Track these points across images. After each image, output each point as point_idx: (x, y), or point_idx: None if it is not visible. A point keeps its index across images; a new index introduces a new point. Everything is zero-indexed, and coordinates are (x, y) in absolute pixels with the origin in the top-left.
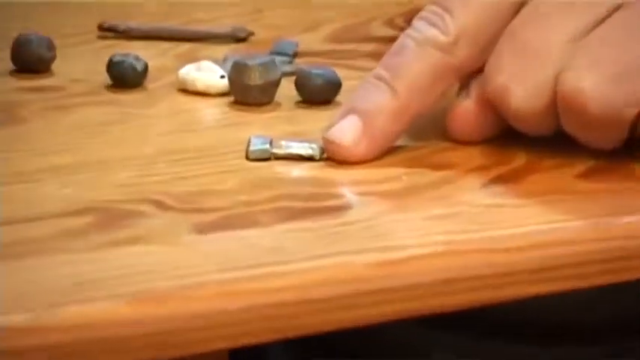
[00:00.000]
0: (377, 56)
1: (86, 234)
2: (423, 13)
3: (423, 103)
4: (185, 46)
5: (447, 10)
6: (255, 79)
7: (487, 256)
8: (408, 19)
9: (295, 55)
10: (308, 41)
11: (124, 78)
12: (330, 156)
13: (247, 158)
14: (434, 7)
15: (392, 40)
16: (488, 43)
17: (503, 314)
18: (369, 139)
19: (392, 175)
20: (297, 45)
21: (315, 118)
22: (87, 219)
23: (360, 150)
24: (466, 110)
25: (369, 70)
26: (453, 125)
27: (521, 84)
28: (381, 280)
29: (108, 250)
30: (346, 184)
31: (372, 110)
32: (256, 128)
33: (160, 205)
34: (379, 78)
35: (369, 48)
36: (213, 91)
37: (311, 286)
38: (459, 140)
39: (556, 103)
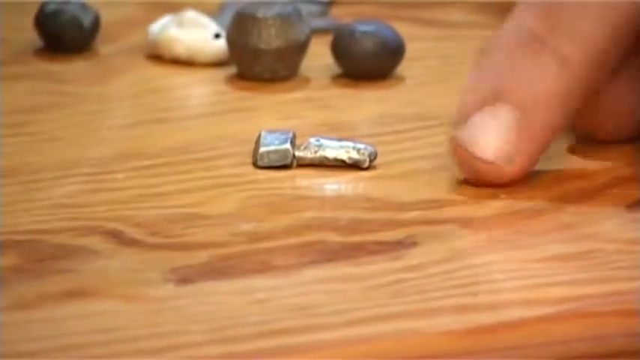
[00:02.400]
0: (473, 5)
1: (4, 283)
2: None
3: (600, 77)
4: None
5: None
6: (270, 39)
7: (633, 322)
8: None
9: (332, 2)
10: None
11: (63, 38)
12: (466, 175)
13: (256, 165)
14: None
15: None
16: None
17: None
18: (528, 144)
19: (484, 191)
20: None
21: (363, 102)
22: (5, 259)
23: (517, 166)
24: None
25: (457, 26)
26: (585, 109)
27: None
28: (466, 358)
29: (36, 309)
30: (412, 205)
31: (532, 95)
32: (270, 118)
33: (119, 237)
34: (533, 36)
35: None
36: (202, 58)
37: None
38: (591, 135)
39: None
